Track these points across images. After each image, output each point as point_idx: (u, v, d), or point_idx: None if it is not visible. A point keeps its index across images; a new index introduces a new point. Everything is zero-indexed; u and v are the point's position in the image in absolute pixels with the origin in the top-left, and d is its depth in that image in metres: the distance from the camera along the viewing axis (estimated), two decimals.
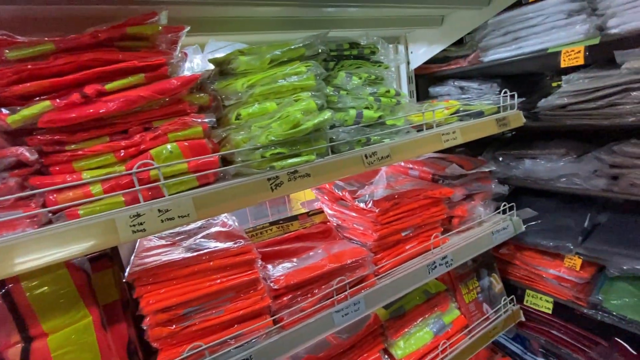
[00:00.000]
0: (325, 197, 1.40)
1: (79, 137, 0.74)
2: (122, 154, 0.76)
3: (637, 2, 1.11)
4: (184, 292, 0.81)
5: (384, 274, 1.13)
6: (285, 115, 0.83)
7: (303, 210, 1.42)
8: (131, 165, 0.74)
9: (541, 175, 1.46)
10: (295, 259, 1.09)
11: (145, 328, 0.79)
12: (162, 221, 0.72)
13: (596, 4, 1.23)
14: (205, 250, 0.86)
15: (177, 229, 1.09)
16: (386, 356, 1.24)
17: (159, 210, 0.72)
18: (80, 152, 0.74)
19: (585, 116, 1.28)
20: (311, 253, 1.12)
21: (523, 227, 1.44)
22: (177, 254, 0.86)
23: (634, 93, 1.14)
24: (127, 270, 0.81)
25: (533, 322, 1.64)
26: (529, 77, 1.80)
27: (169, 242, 0.96)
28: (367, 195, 1.21)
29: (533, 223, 1.54)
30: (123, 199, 0.72)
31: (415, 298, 1.37)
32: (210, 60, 0.90)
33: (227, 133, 0.84)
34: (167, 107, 0.79)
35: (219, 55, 0.89)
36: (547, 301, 1.53)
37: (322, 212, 1.42)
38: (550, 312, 1.53)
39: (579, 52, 1.25)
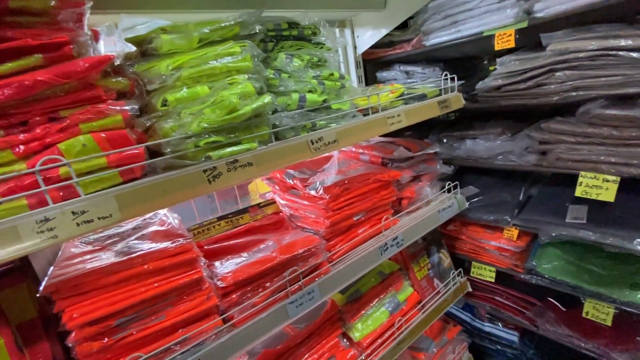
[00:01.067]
0: (277, 187, 1.36)
1: None
2: (21, 150, 0.65)
3: None
4: (115, 301, 0.73)
5: (337, 260, 1.12)
6: (220, 99, 0.77)
7: (253, 202, 1.37)
8: (34, 162, 0.63)
9: (481, 154, 1.54)
10: (245, 254, 1.04)
11: (70, 345, 0.70)
12: (79, 224, 0.64)
13: None
14: (138, 253, 0.78)
15: (108, 232, 0.98)
16: (345, 340, 1.25)
17: (73, 213, 0.63)
18: None
19: (516, 96, 1.37)
20: (262, 246, 1.08)
21: (467, 204, 1.52)
22: (105, 260, 0.77)
23: (558, 73, 1.23)
24: (43, 283, 0.71)
25: (479, 291, 1.77)
26: (468, 61, 1.89)
27: (97, 247, 0.86)
28: (317, 183, 1.18)
29: (475, 200, 1.63)
30: (26, 202, 0.62)
31: (370, 280, 1.39)
32: (128, 40, 0.80)
33: (152, 121, 0.75)
34: (76, 94, 0.69)
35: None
36: (490, 271, 1.64)
37: (274, 202, 1.38)
38: (493, 280, 1.65)
39: (510, 35, 1.31)
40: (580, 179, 1.26)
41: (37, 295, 0.69)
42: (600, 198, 1.23)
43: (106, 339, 0.73)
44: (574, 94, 1.21)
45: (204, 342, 0.84)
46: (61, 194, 0.65)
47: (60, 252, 0.89)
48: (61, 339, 0.75)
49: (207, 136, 0.77)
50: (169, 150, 0.75)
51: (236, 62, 0.81)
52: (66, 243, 0.97)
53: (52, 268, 0.78)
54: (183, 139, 0.74)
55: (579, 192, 1.27)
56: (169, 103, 0.75)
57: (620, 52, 1.10)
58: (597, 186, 1.23)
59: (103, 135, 0.70)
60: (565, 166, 1.31)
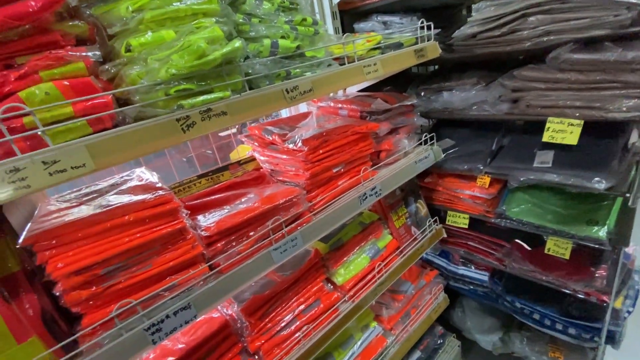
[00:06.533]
0: (256, 144, 1.36)
1: None
2: None
3: None
4: (99, 251, 0.74)
5: (318, 210, 1.16)
6: (187, 44, 0.74)
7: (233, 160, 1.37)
8: None
9: (457, 105, 1.57)
10: (227, 207, 1.06)
11: (58, 294, 0.72)
12: (51, 174, 0.63)
13: None
14: (118, 205, 0.79)
15: (85, 190, 0.97)
16: (329, 284, 1.33)
17: (44, 162, 0.62)
18: None
19: (491, 44, 1.38)
20: (243, 199, 1.10)
21: (442, 155, 1.57)
22: (85, 212, 0.77)
23: (530, 18, 1.24)
24: (22, 235, 0.71)
25: (454, 237, 1.89)
26: (446, 11, 1.85)
27: (74, 204, 0.86)
28: (296, 136, 1.19)
29: (451, 151, 1.69)
30: None
31: (351, 231, 1.46)
32: None
33: (117, 68, 0.72)
34: (31, 39, 0.65)
35: None
36: (464, 218, 1.74)
37: (255, 159, 1.39)
38: (466, 226, 1.76)
39: None
40: (547, 125, 1.32)
41: (17, 247, 0.69)
42: (565, 142, 1.30)
43: (94, 287, 0.75)
44: (545, 39, 1.23)
45: (192, 287, 0.88)
46: (28, 143, 0.63)
47: (36, 211, 0.88)
48: (48, 290, 0.77)
49: (177, 84, 0.75)
50: (138, 98, 0.73)
51: (201, 4, 0.77)
52: (42, 203, 0.96)
53: (29, 224, 0.78)
54: (152, 86, 0.72)
55: (546, 137, 1.33)
56: (133, 48, 0.72)
57: None
58: (563, 130, 1.30)
59: (66, 83, 0.67)
60: (534, 113, 1.36)
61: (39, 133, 0.63)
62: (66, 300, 0.73)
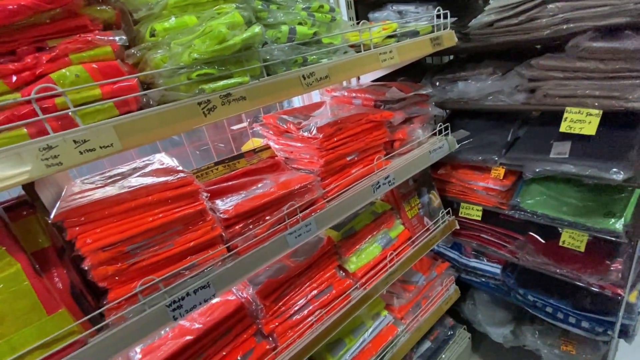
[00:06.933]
0: (270, 132, 1.37)
1: None
2: (14, 80, 0.65)
3: None
4: (124, 229, 0.77)
5: (332, 197, 1.17)
6: (209, 30, 0.75)
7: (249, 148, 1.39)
8: (28, 92, 0.64)
9: (472, 95, 1.56)
10: (243, 192, 1.09)
11: (86, 269, 0.76)
12: (81, 153, 0.66)
13: None
14: (142, 185, 0.81)
15: (109, 173, 1.01)
16: (341, 271, 1.35)
17: (75, 142, 0.65)
18: None
19: (509, 33, 1.35)
20: (259, 185, 1.12)
21: (457, 145, 1.56)
22: (111, 192, 0.80)
23: (550, 6, 1.22)
24: (53, 212, 0.74)
25: (466, 230, 1.88)
26: (462, 0, 1.83)
27: (99, 185, 0.89)
28: (311, 124, 1.20)
29: (466, 142, 1.67)
30: (26, 131, 0.64)
31: (364, 219, 1.47)
32: None
33: (142, 53, 0.75)
34: (61, 22, 0.68)
35: None
36: (478, 210, 1.73)
37: (269, 148, 1.40)
38: (480, 219, 1.75)
39: None
40: (565, 115, 1.30)
41: (49, 222, 0.72)
42: (582, 132, 1.28)
43: (119, 263, 0.78)
44: (564, 27, 1.21)
45: (211, 268, 0.91)
46: (60, 123, 0.66)
47: (64, 192, 0.92)
48: (76, 266, 0.81)
49: (199, 68, 0.77)
50: (161, 82, 0.75)
51: None
52: (68, 185, 1.00)
53: (59, 202, 0.81)
54: (175, 70, 0.74)
55: (563, 127, 1.31)
56: (157, 33, 0.74)
57: None
58: (581, 120, 1.28)
59: (95, 66, 0.69)
60: (552, 102, 1.34)
61: (70, 113, 0.66)
62: (94, 274, 0.77)
